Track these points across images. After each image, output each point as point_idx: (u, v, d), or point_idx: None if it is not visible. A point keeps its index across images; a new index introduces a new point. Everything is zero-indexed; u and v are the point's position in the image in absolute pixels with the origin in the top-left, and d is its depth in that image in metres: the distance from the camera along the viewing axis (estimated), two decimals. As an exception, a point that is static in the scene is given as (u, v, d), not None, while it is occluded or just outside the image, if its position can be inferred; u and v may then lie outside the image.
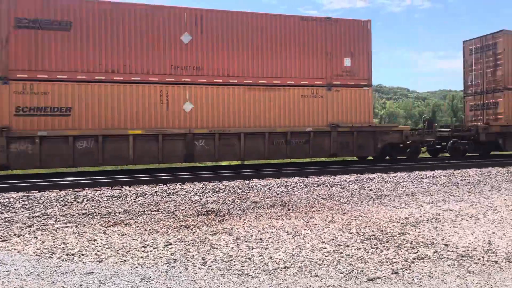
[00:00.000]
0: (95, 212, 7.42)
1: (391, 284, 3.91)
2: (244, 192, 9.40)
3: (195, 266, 4.42)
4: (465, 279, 4.03)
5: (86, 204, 8.18)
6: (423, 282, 3.96)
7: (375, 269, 4.30)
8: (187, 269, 4.35)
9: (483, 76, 17.92)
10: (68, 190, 9.69)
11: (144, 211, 7.39)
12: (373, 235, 5.56)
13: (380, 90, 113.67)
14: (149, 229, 6.04)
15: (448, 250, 4.88)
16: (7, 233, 5.94)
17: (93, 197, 8.78)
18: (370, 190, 9.57)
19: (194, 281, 4.00)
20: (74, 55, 12.04)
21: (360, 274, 4.17)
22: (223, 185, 10.15)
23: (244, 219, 6.63)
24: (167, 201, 8.38)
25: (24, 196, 8.86)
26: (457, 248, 4.95)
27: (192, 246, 5.15)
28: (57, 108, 11.88)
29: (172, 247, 5.10)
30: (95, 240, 5.49)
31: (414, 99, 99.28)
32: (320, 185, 10.25)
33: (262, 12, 14.01)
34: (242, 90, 13.47)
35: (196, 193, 9.22)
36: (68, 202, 8.33)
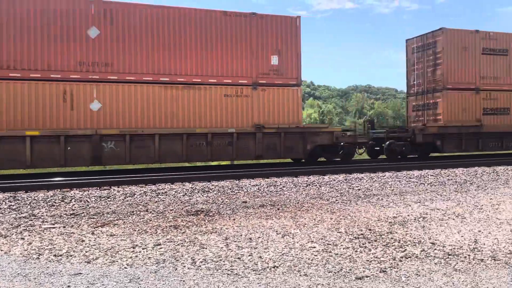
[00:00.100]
0: (83, 212, 7.36)
1: (379, 283, 3.95)
2: (234, 192, 9.40)
3: (184, 266, 4.41)
4: (451, 277, 4.09)
5: (74, 204, 8.11)
6: (410, 280, 4.01)
7: (363, 267, 4.34)
8: (176, 269, 4.34)
9: (424, 75, 17.43)
10: (55, 190, 9.60)
11: (133, 212, 7.35)
12: (362, 234, 5.61)
13: (369, 91, 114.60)
14: (138, 230, 6.01)
15: (435, 249, 4.94)
16: (-7, 234, 5.87)
17: (81, 197, 8.71)
18: (359, 189, 9.65)
19: (184, 281, 4.00)
20: None
21: (348, 273, 4.20)
22: (213, 185, 10.14)
23: (234, 219, 6.63)
24: (156, 201, 8.34)
25: (10, 196, 8.74)
26: (444, 247, 5.02)
27: (182, 246, 5.14)
28: None
29: (161, 248, 5.08)
30: (83, 240, 5.45)
31: (402, 99, 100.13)
32: (310, 184, 10.30)
33: (181, 6, 13.29)
34: (158, 88, 12.77)
35: (186, 193, 9.19)
36: (55, 202, 8.24)
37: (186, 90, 13.02)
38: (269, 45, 13.87)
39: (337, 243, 5.21)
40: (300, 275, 4.14)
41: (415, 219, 6.47)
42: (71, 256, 4.80)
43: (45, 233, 5.86)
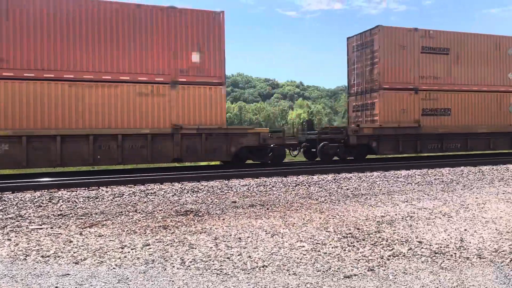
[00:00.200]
0: (71, 213, 7.30)
1: (367, 281, 4.00)
2: (223, 192, 9.40)
3: (173, 266, 4.41)
4: (438, 275, 4.15)
5: (61, 205, 8.03)
6: (397, 278, 4.06)
7: (351, 266, 4.38)
8: (165, 269, 4.33)
9: (363, 75, 16.69)
10: (43, 191, 9.50)
11: (121, 212, 7.31)
12: (350, 233, 5.66)
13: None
14: (127, 230, 5.98)
15: (422, 247, 5.01)
16: (-21, 235, 5.79)
17: (69, 198, 8.63)
18: (347, 189, 9.72)
19: (173, 281, 3.99)
20: None
21: (337, 271, 4.24)
22: (202, 185, 10.13)
23: (223, 219, 6.64)
24: (145, 202, 8.31)
25: (-4, 197, 8.63)
26: (430, 245, 5.09)
27: (171, 246, 5.14)
28: None
29: (150, 248, 5.07)
30: (71, 241, 5.41)
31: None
32: (299, 184, 10.34)
33: None
34: (61, 86, 11.77)
35: (175, 193, 9.17)
36: (43, 203, 8.16)
37: (94, 88, 12.11)
38: (190, 41, 13.00)
39: (326, 242, 5.25)
40: (289, 274, 4.17)
41: (402, 218, 6.55)
42: (58, 257, 4.77)
43: (32, 234, 5.80)
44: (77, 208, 7.71)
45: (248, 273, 4.20)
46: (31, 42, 11.59)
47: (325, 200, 8.35)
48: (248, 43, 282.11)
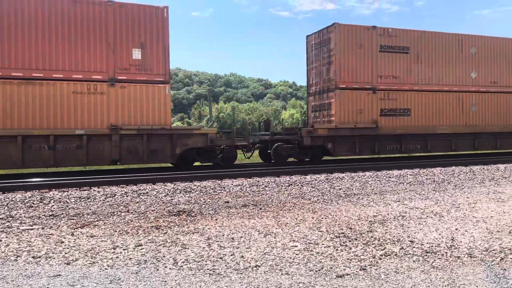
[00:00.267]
0: (62, 213, 7.25)
1: (359, 280, 4.02)
2: (216, 192, 9.39)
3: (166, 267, 4.39)
4: (429, 274, 4.18)
5: (53, 205, 7.97)
6: (389, 277, 4.09)
7: (344, 266, 4.40)
8: (157, 269, 4.32)
9: (321, 74, 16.16)
10: (34, 191, 9.42)
11: (113, 212, 7.27)
12: (342, 233, 5.69)
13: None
14: (119, 230, 5.96)
15: (414, 247, 5.04)
16: (-31, 236, 5.73)
17: (60, 198, 8.57)
18: (340, 189, 9.76)
19: (165, 281, 3.98)
20: None
21: (329, 271, 4.26)
22: (195, 185, 10.11)
23: (216, 219, 6.63)
24: (137, 202, 8.27)
25: (-13, 197, 8.54)
26: (422, 245, 5.12)
27: (163, 246, 5.12)
28: None
29: (143, 248, 5.05)
30: (62, 242, 5.37)
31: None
32: (291, 184, 10.36)
33: None
34: None
35: (167, 194, 9.14)
36: (34, 203, 8.09)
37: (23, 86, 11.47)
38: (130, 37, 12.45)
39: (318, 242, 5.26)
40: (281, 274, 4.17)
41: (394, 218, 6.59)
42: (50, 257, 4.73)
43: (23, 235, 5.75)
44: (69, 209, 7.66)
45: (241, 273, 4.20)
46: None
47: (317, 200, 8.37)
48: (241, 43, 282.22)
